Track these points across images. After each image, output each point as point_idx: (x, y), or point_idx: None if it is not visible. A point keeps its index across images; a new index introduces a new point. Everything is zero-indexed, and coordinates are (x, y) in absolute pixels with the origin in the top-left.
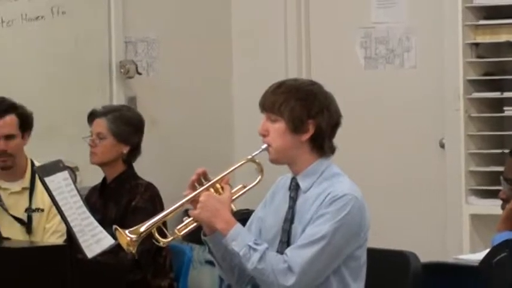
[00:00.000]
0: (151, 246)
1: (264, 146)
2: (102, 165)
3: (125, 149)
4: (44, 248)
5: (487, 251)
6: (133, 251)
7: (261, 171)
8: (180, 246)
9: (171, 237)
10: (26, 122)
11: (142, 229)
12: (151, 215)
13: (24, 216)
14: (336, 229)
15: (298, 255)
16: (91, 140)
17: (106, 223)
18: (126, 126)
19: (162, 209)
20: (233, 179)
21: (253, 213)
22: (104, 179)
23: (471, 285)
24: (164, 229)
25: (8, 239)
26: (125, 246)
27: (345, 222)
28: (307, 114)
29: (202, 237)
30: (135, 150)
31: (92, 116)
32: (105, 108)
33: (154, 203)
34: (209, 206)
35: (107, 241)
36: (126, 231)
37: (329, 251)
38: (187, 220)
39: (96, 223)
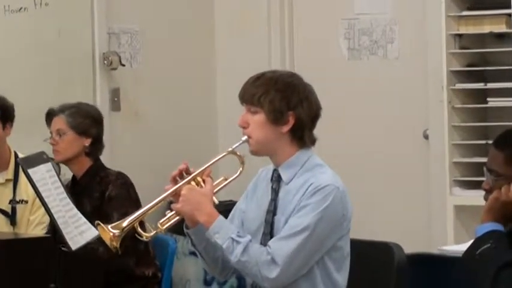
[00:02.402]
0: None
1: (244, 138)
2: (67, 162)
3: (87, 142)
4: (28, 239)
5: (471, 242)
6: (117, 246)
7: (242, 163)
8: (164, 238)
9: (154, 232)
10: (6, 113)
11: (124, 224)
12: (126, 200)
13: (8, 208)
14: (319, 220)
15: (281, 246)
16: (52, 139)
17: None
18: (84, 118)
19: (135, 196)
20: (216, 172)
21: (235, 206)
22: (74, 177)
23: (455, 277)
24: (146, 223)
25: None
26: (108, 241)
27: (327, 213)
28: (286, 105)
29: (185, 229)
30: (97, 143)
31: (50, 116)
32: (61, 106)
33: (127, 190)
34: (191, 199)
35: (91, 233)
36: (109, 227)
37: (312, 242)
38: (169, 214)
39: (79, 215)
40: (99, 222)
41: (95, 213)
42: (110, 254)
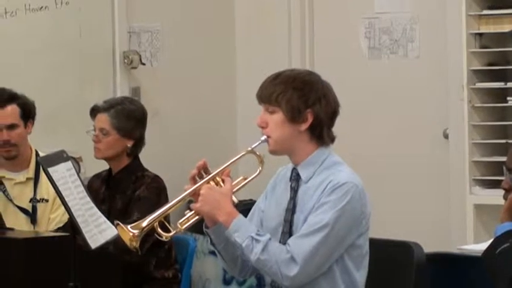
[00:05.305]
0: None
1: (264, 137)
2: (106, 159)
3: (129, 143)
4: (48, 238)
5: (491, 241)
6: (137, 246)
7: (261, 162)
8: (184, 237)
9: (174, 232)
10: (28, 111)
11: (144, 224)
12: (154, 205)
13: (28, 207)
14: (338, 217)
15: (300, 244)
16: (95, 136)
17: (112, 214)
18: (129, 120)
19: (166, 202)
20: (236, 171)
21: (254, 205)
22: (110, 170)
23: (475, 276)
24: (166, 223)
25: (11, 229)
26: (127, 242)
27: (346, 210)
28: (304, 103)
29: (204, 229)
30: (139, 143)
31: (94, 112)
32: (106, 102)
33: (159, 195)
34: (210, 198)
35: (111, 231)
36: (128, 227)
37: (331, 240)
38: (188, 214)
39: (99, 213)
40: (119, 222)
41: (124, 210)
42: (118, 251)
